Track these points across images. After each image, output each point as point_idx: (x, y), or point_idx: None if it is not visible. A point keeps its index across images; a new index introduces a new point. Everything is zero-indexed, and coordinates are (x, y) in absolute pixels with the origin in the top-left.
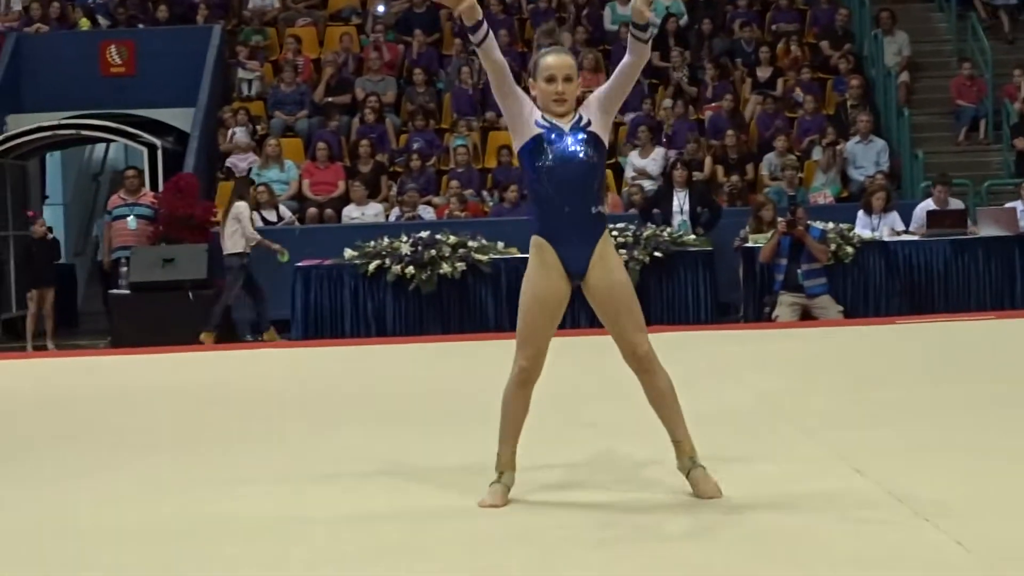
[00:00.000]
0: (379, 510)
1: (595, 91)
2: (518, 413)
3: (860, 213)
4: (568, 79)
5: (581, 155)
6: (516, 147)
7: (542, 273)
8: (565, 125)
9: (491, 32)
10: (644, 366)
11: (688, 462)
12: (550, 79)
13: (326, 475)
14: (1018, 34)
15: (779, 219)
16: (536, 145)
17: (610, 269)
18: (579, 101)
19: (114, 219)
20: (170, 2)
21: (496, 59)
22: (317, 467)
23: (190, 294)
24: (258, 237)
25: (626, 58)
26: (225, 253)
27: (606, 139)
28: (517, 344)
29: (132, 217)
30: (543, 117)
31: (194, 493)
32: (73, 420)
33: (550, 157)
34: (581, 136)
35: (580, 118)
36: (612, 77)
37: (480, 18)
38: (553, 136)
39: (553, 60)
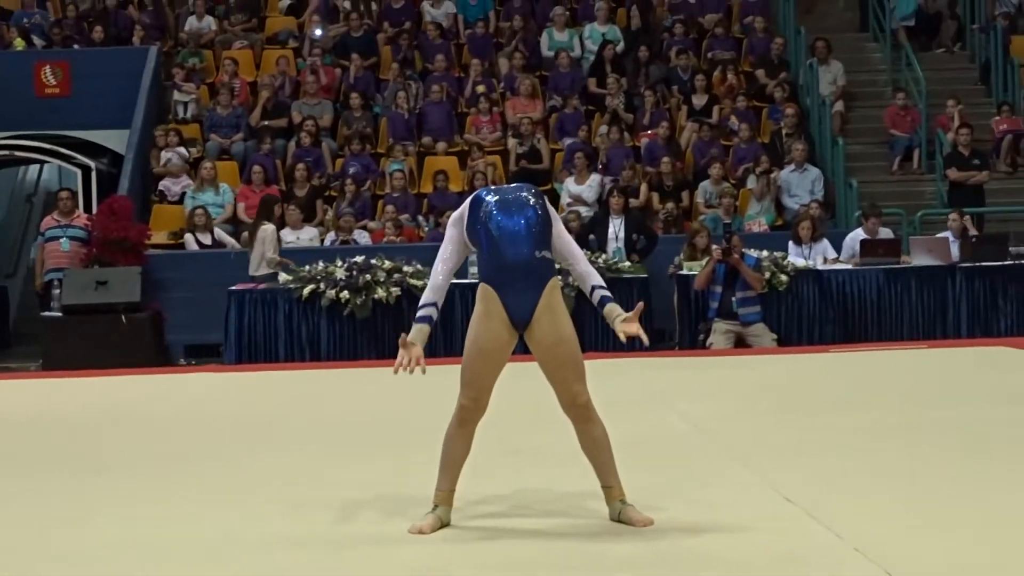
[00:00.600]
0: (304, 534)
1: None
2: (458, 451)
3: (791, 242)
4: None
5: (524, 202)
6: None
7: (485, 322)
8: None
9: (434, 313)
10: (583, 415)
11: (618, 505)
12: None
13: (254, 499)
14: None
15: (714, 247)
16: (480, 202)
17: (556, 324)
18: None
19: (47, 241)
20: (106, 23)
21: (448, 280)
22: (246, 491)
23: (123, 317)
24: (279, 259)
25: (579, 268)
26: (251, 273)
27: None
28: (460, 384)
29: (65, 239)
30: (490, 203)
31: (118, 515)
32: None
33: (494, 208)
34: (526, 190)
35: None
36: (566, 245)
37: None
38: (495, 191)
39: None
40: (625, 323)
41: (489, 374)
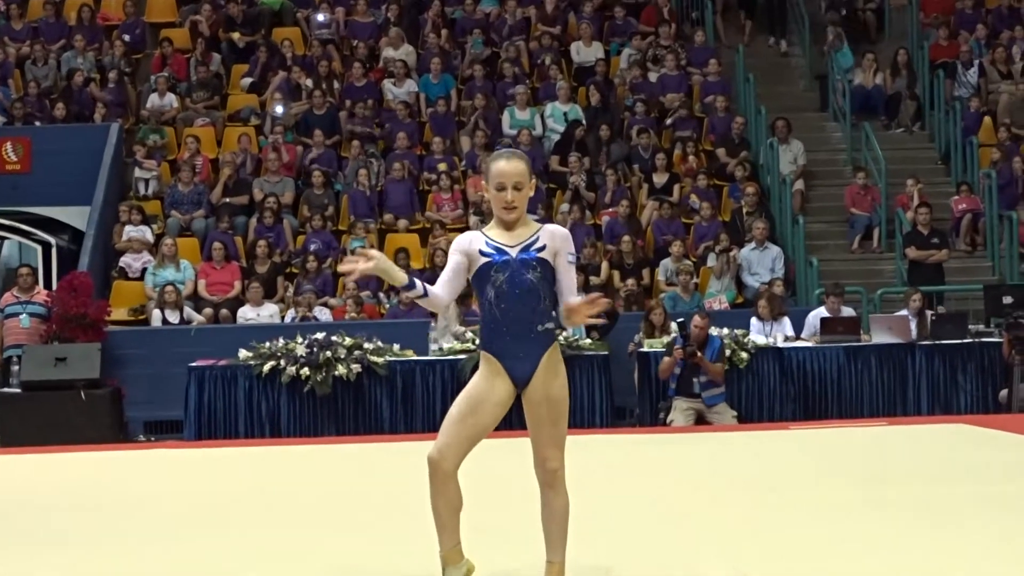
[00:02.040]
0: None
1: (564, 236)
2: (441, 506)
3: (753, 319)
4: (518, 187)
5: (527, 277)
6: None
7: (484, 375)
8: (512, 244)
9: (425, 285)
10: (549, 480)
11: None
12: (500, 187)
13: None
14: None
15: (676, 347)
16: (484, 272)
17: (549, 383)
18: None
19: (6, 317)
20: (67, 100)
21: (447, 298)
22: (204, 570)
23: (82, 393)
24: (463, 330)
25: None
26: (439, 346)
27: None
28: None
29: (25, 315)
30: (487, 242)
31: None
32: None
33: (496, 284)
34: (529, 259)
35: (535, 240)
36: (563, 282)
37: (406, 280)
38: (499, 262)
39: (504, 166)
40: (572, 312)
41: (470, 425)
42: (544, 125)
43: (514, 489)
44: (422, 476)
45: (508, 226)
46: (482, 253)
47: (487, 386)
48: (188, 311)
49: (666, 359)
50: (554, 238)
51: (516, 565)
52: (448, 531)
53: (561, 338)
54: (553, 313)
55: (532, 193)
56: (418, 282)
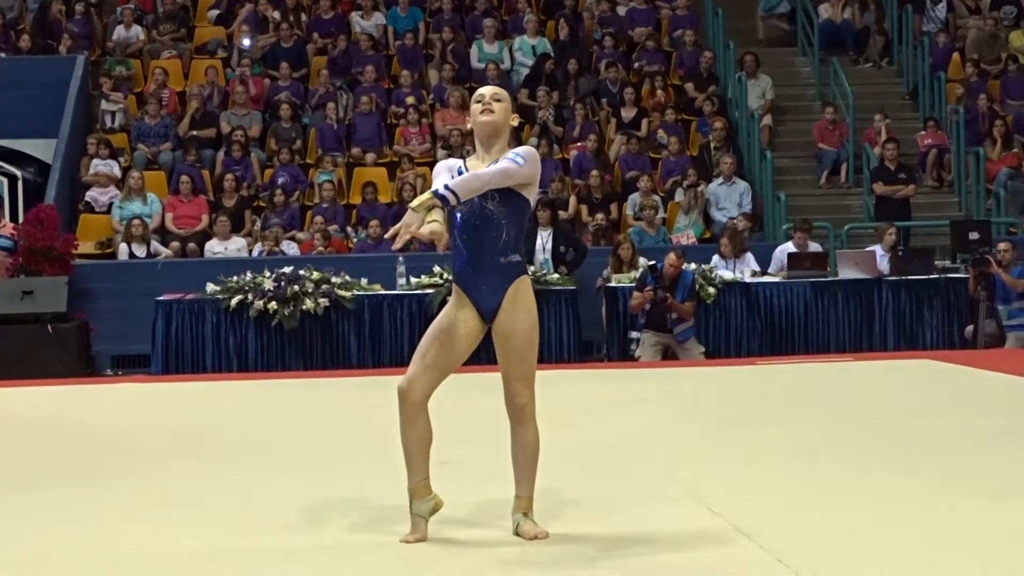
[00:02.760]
0: (247, 546)
1: (517, 150)
2: (410, 439)
3: (715, 257)
4: (496, 99)
5: (487, 207)
6: None
7: (453, 307)
8: (482, 168)
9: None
10: (518, 415)
11: (519, 516)
12: (478, 100)
13: (181, 510)
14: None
15: (647, 288)
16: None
17: (515, 316)
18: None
19: None
20: (33, 32)
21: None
22: (173, 503)
23: (49, 327)
24: None
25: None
26: None
27: (531, 198)
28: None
29: None
30: (459, 168)
31: (44, 530)
32: None
33: (461, 213)
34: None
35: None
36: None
37: (441, 203)
38: None
39: (485, 88)
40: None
41: (439, 356)
42: (513, 59)
43: (486, 424)
44: (390, 410)
45: (486, 148)
46: (460, 172)
47: (456, 318)
48: (155, 245)
49: (636, 294)
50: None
51: (483, 500)
52: (416, 464)
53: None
54: (518, 254)
55: (514, 123)
56: (448, 199)
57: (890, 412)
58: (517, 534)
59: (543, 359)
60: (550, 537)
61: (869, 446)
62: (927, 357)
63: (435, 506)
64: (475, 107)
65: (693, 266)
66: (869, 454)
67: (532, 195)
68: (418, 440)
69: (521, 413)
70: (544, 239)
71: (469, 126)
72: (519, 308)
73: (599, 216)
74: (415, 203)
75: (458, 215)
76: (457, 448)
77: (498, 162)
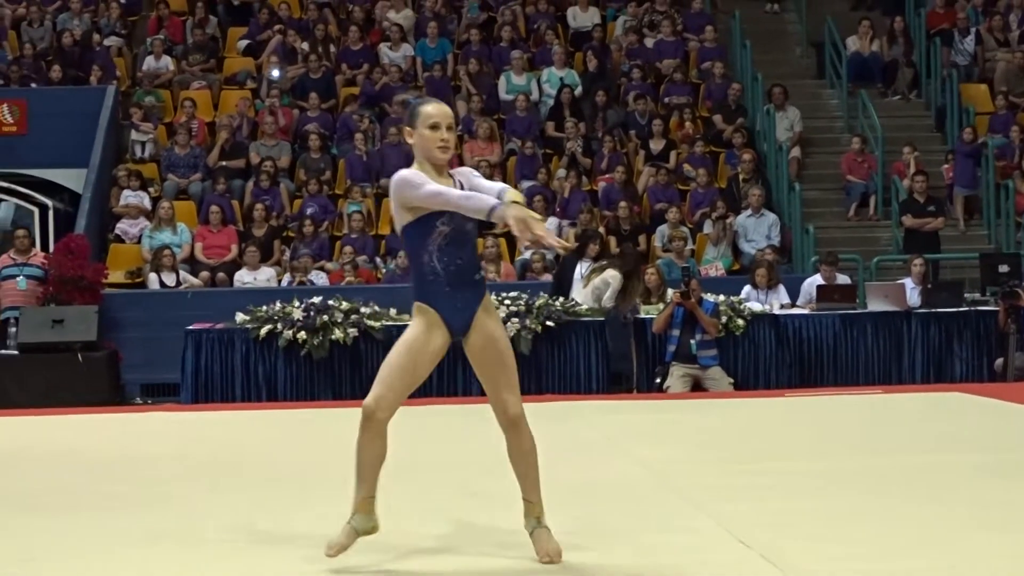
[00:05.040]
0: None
1: (469, 170)
2: (365, 456)
3: (747, 287)
4: (450, 128)
5: (467, 227)
6: (406, 222)
7: (421, 326)
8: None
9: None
10: (512, 425)
11: (534, 521)
12: (435, 127)
13: (210, 539)
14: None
15: (671, 290)
16: (429, 221)
17: (490, 325)
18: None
19: (3, 279)
20: (64, 62)
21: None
22: (201, 531)
23: (79, 356)
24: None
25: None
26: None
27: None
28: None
29: (22, 277)
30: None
31: (73, 557)
32: None
33: (442, 235)
34: None
35: (460, 188)
36: (483, 186)
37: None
38: (447, 211)
39: (434, 108)
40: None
41: (407, 376)
42: (540, 91)
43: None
44: (418, 439)
45: (439, 170)
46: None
47: (425, 338)
48: (184, 274)
49: (661, 313)
50: (467, 177)
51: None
52: (367, 481)
53: (557, 304)
54: (481, 270)
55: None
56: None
57: (920, 445)
58: (532, 538)
59: (571, 389)
60: (578, 568)
61: (901, 479)
62: (957, 390)
63: (372, 527)
64: (431, 133)
65: (722, 297)
66: (898, 486)
67: None
68: (375, 459)
69: (516, 422)
70: (584, 270)
71: (411, 140)
72: (492, 316)
73: (627, 247)
74: (533, 213)
75: (438, 235)
76: (484, 479)
77: (483, 185)
